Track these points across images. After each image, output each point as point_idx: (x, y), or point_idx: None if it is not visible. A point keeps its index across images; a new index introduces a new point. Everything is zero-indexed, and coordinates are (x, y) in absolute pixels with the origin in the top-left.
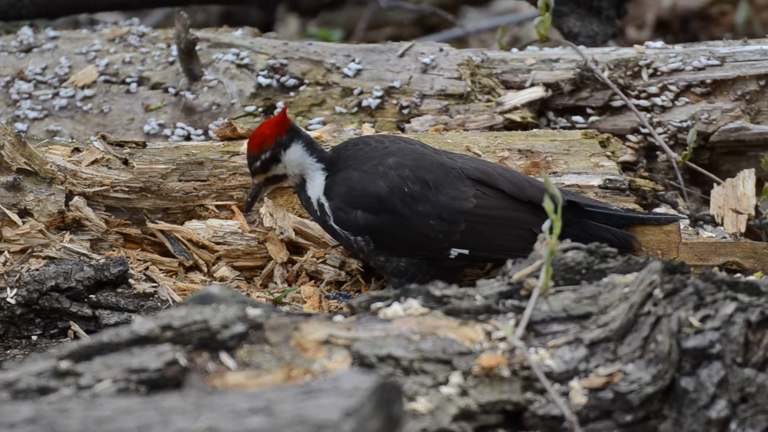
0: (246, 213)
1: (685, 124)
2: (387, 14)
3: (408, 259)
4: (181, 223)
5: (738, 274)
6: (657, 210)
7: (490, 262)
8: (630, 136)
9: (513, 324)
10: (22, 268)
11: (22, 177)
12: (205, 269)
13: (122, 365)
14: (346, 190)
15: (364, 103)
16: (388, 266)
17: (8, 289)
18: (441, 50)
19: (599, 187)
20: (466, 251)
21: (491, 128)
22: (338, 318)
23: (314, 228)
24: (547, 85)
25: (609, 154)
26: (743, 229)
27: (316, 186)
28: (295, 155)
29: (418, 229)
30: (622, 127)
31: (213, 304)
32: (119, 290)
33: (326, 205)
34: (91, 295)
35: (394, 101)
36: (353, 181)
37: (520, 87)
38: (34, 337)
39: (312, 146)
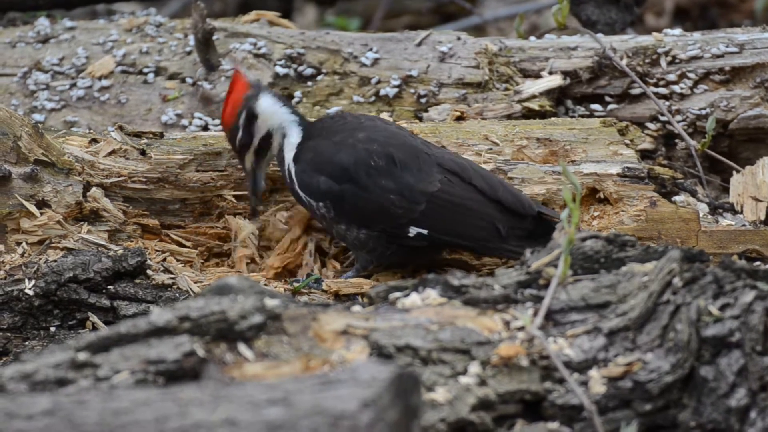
0: (254, 217)
1: (704, 112)
2: (404, 3)
3: (367, 231)
4: (199, 215)
5: (757, 262)
6: (676, 198)
7: (451, 246)
8: (649, 124)
9: (532, 313)
10: (40, 259)
11: (39, 168)
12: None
13: (140, 356)
14: (313, 156)
15: (382, 92)
16: (348, 236)
17: (26, 280)
18: (459, 39)
19: (618, 175)
20: (425, 231)
21: (509, 117)
22: (356, 308)
23: None
24: (566, 74)
25: (628, 142)
26: (763, 217)
27: (291, 143)
28: (267, 103)
29: (378, 201)
30: (640, 115)
31: (231, 295)
32: (137, 281)
33: (293, 170)
34: (109, 286)
35: (412, 90)
36: (321, 148)
37: (538, 75)
38: (52, 329)
39: (278, 96)
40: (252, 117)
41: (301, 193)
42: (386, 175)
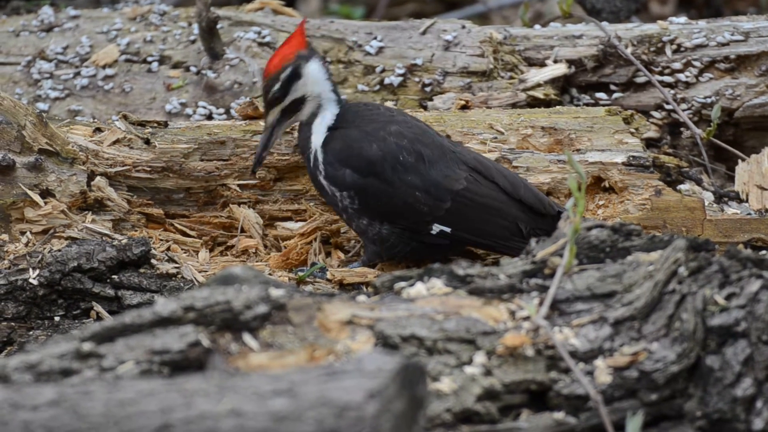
0: (255, 171)
1: (709, 100)
2: None
3: (390, 227)
4: (204, 204)
5: (763, 251)
6: (681, 187)
7: (473, 245)
8: (654, 113)
9: (537, 303)
10: (45, 248)
11: (43, 157)
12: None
13: (145, 347)
14: (342, 146)
15: (387, 80)
16: (369, 231)
17: (31, 269)
18: (463, 27)
19: (623, 164)
20: (448, 229)
21: (514, 105)
22: (361, 298)
23: None
24: (570, 62)
25: (633, 130)
26: None
27: (322, 125)
28: (316, 70)
29: (403, 198)
30: (645, 104)
31: (236, 285)
32: (142, 270)
33: (320, 158)
34: (113, 276)
35: (417, 79)
36: (351, 139)
37: (542, 64)
38: (56, 318)
39: (328, 69)
40: (295, 76)
41: (325, 183)
42: (413, 171)
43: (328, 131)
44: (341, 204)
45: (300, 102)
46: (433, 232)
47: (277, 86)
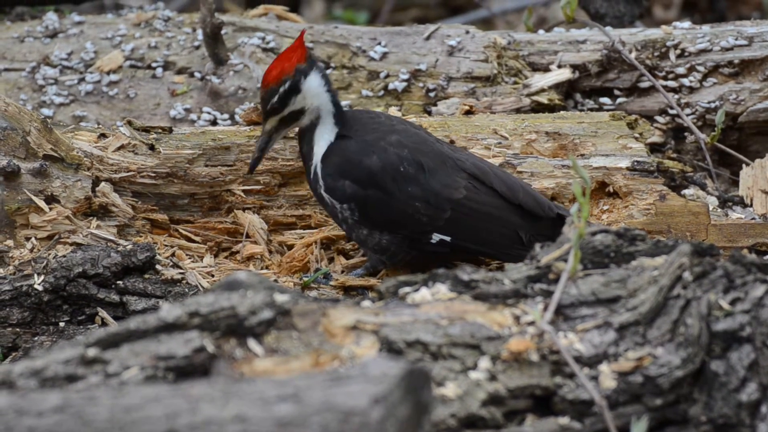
0: (251, 173)
1: (713, 105)
2: None
3: (390, 237)
4: (208, 210)
5: (767, 256)
6: (686, 191)
7: (473, 254)
8: (658, 118)
9: (542, 308)
10: (50, 254)
11: (48, 163)
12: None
13: (150, 352)
14: (341, 160)
15: (391, 86)
16: (369, 241)
17: (36, 275)
18: (467, 32)
19: (627, 169)
20: (447, 238)
21: (518, 110)
22: (366, 303)
23: None
24: (574, 67)
25: (637, 135)
26: None
27: (323, 138)
28: (315, 83)
29: (403, 208)
30: (650, 109)
31: (240, 290)
32: (146, 276)
33: (320, 172)
34: (118, 281)
35: (421, 84)
36: (351, 151)
37: (546, 69)
38: (61, 324)
39: (328, 80)
40: (295, 90)
41: (325, 195)
42: (413, 181)
43: (329, 143)
44: (341, 215)
45: (299, 113)
46: (433, 241)
47: (275, 99)
